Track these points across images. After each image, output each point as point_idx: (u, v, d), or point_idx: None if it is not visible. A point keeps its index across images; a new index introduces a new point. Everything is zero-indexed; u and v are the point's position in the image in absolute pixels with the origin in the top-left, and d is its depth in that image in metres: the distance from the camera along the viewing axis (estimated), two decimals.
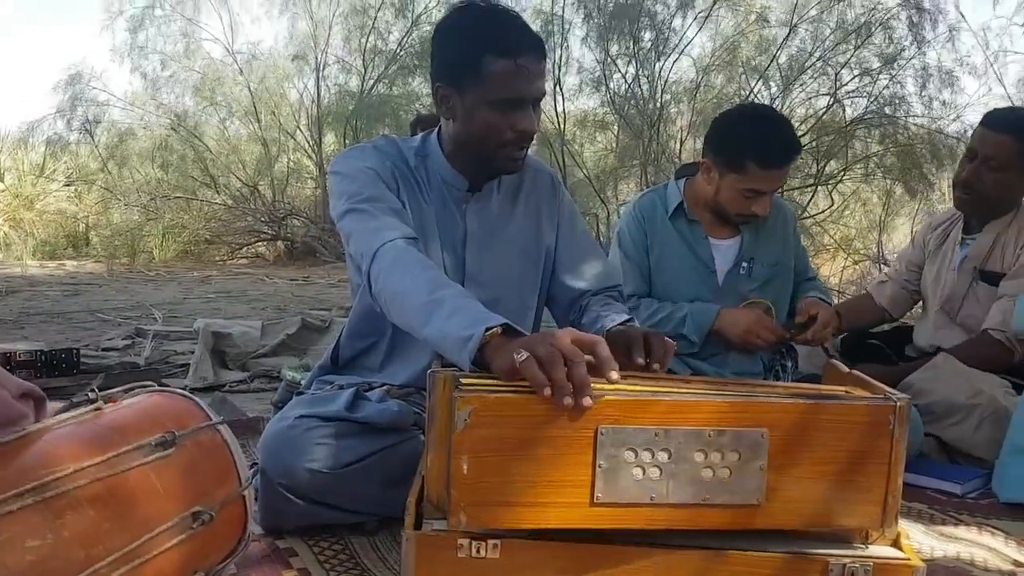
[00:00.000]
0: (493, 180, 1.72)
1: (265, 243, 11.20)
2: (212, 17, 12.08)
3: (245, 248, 11.05)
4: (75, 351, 2.90)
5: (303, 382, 2.68)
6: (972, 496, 1.99)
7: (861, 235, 8.97)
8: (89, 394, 1.10)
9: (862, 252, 8.68)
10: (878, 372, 2.25)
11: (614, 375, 1.11)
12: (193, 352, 3.25)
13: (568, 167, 8.63)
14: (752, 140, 2.09)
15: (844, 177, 8.03)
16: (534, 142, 1.77)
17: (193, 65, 11.05)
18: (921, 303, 2.66)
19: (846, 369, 1.43)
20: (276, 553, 1.46)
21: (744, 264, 2.30)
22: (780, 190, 2.32)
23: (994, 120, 2.32)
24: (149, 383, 1.19)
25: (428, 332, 1.29)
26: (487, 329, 1.19)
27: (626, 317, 1.62)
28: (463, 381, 1.16)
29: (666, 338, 1.41)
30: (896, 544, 1.19)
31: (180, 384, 2.92)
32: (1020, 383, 2.17)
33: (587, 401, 1.07)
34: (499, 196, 1.74)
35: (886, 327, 2.72)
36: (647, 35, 8.30)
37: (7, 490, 0.89)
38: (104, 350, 3.54)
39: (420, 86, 10.78)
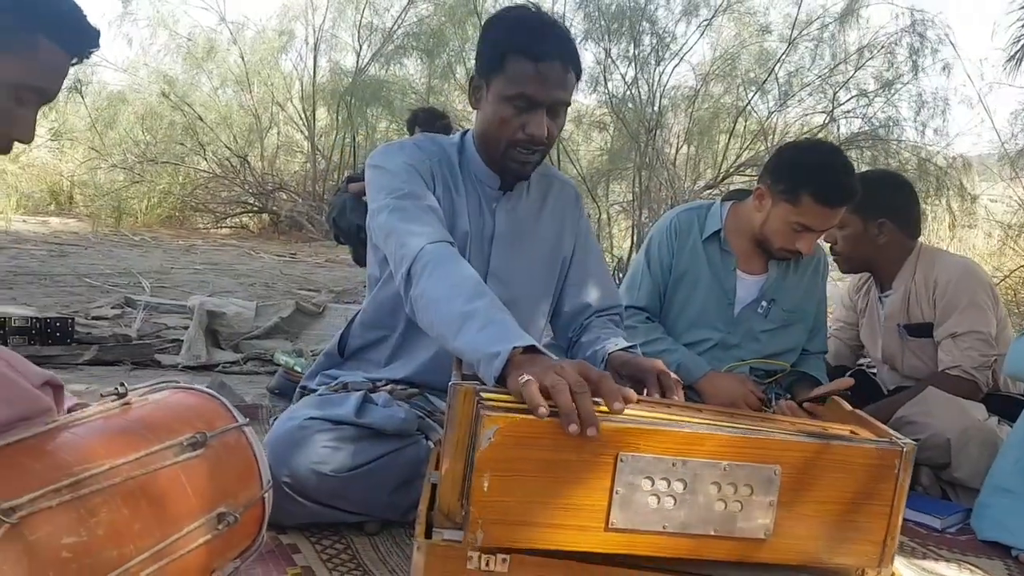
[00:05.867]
0: (524, 181, 1.74)
1: (251, 215, 11.13)
2: None
3: (230, 218, 10.97)
4: (69, 320, 2.89)
5: (297, 368, 2.71)
6: (952, 531, 2.03)
7: None
8: (118, 388, 1.11)
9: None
10: (871, 409, 2.33)
11: (618, 405, 1.12)
12: (185, 328, 3.25)
13: (562, 164, 8.64)
14: (813, 173, 2.06)
15: None
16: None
17: (183, 32, 10.97)
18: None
19: (848, 407, 1.47)
20: (280, 549, 1.48)
21: (763, 303, 2.26)
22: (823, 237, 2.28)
23: None
24: (174, 380, 1.20)
25: (459, 343, 1.31)
26: (514, 347, 1.21)
27: (629, 344, 1.65)
28: (484, 396, 1.18)
29: (673, 375, 1.44)
30: None
31: (173, 361, 2.92)
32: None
33: (592, 431, 1.07)
34: (528, 198, 1.77)
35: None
36: (647, 39, 8.33)
37: (41, 486, 0.88)
38: (94, 318, 3.52)
39: (417, 69, 10.73)
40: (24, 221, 9.03)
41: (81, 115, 11.22)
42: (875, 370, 2.74)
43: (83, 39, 1.21)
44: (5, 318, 2.81)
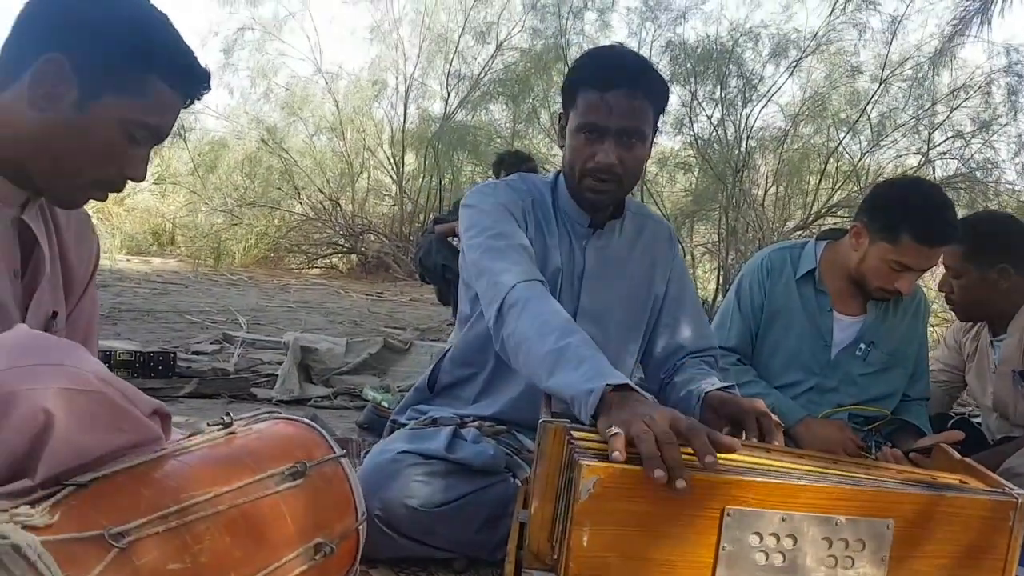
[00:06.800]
0: (616, 220, 1.76)
1: (340, 255, 11.42)
2: (299, 37, 12.43)
3: (320, 259, 11.29)
4: (171, 355, 3.00)
5: (385, 403, 2.74)
6: None
7: (940, 296, 8.76)
8: (224, 417, 1.14)
9: (940, 315, 8.48)
10: (975, 459, 2.22)
11: (709, 459, 1.06)
12: (279, 363, 3.34)
13: (645, 204, 8.60)
14: (913, 211, 2.00)
15: None
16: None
17: (281, 82, 11.42)
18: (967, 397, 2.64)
19: (957, 456, 1.40)
20: None
21: (862, 345, 2.19)
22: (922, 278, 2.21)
23: None
24: (276, 410, 1.23)
25: (552, 383, 1.32)
26: (607, 385, 1.20)
27: (726, 384, 1.61)
28: (574, 435, 1.17)
29: (774, 417, 1.40)
30: None
31: (268, 395, 3.00)
32: None
33: (680, 484, 1.02)
34: (620, 238, 1.78)
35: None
36: (734, 81, 8.28)
37: (150, 511, 0.90)
38: (194, 353, 3.65)
39: (503, 115, 10.90)
40: (127, 260, 9.45)
41: (183, 160, 11.75)
42: (979, 419, 2.62)
43: (195, 80, 1.26)
44: (110, 352, 2.94)
